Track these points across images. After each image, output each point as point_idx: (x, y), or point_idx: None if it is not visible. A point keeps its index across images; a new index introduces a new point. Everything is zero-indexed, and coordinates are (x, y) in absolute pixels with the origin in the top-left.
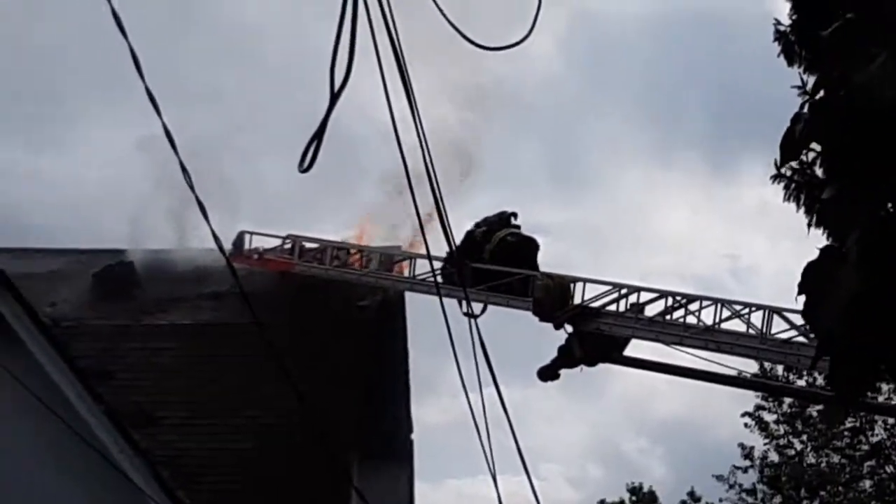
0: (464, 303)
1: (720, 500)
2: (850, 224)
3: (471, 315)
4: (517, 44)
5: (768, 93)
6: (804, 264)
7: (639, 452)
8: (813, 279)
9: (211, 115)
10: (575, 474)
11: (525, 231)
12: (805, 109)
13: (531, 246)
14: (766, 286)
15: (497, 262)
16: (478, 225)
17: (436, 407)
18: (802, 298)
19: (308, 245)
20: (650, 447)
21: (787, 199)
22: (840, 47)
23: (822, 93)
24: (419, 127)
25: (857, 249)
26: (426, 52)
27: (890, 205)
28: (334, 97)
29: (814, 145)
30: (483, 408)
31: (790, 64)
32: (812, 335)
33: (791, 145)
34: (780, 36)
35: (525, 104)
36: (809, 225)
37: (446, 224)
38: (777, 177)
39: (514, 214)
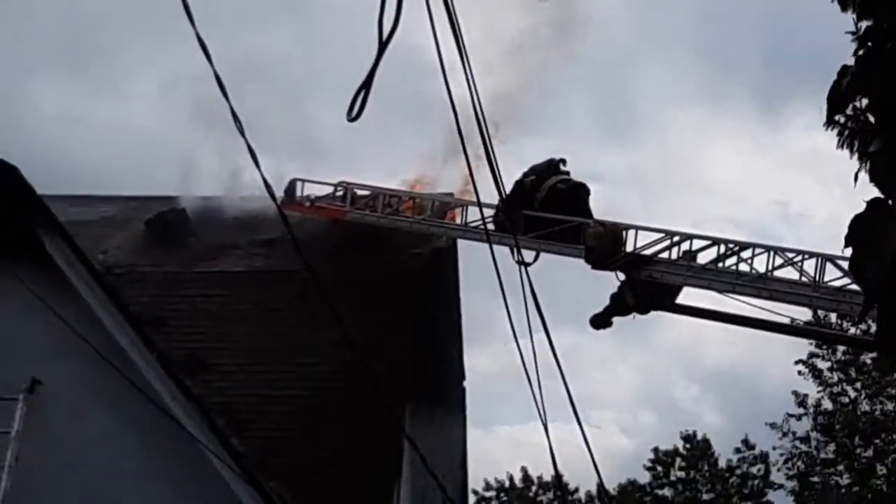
0: (515, 250)
1: (773, 448)
2: None
3: (522, 263)
4: None
5: (821, 36)
6: (852, 216)
7: (691, 400)
8: (860, 232)
9: (266, 64)
10: (627, 422)
11: (575, 178)
12: (853, 62)
13: (582, 192)
14: (817, 232)
15: (549, 211)
16: (526, 174)
17: (487, 354)
18: (850, 250)
19: (360, 192)
20: (702, 394)
21: (840, 146)
22: None
23: (869, 45)
24: (469, 75)
25: None
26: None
27: None
28: (382, 46)
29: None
30: (534, 355)
31: (844, 9)
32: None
33: (838, 98)
34: None
35: (575, 49)
36: (857, 176)
37: (497, 172)
38: (830, 123)
39: (563, 161)
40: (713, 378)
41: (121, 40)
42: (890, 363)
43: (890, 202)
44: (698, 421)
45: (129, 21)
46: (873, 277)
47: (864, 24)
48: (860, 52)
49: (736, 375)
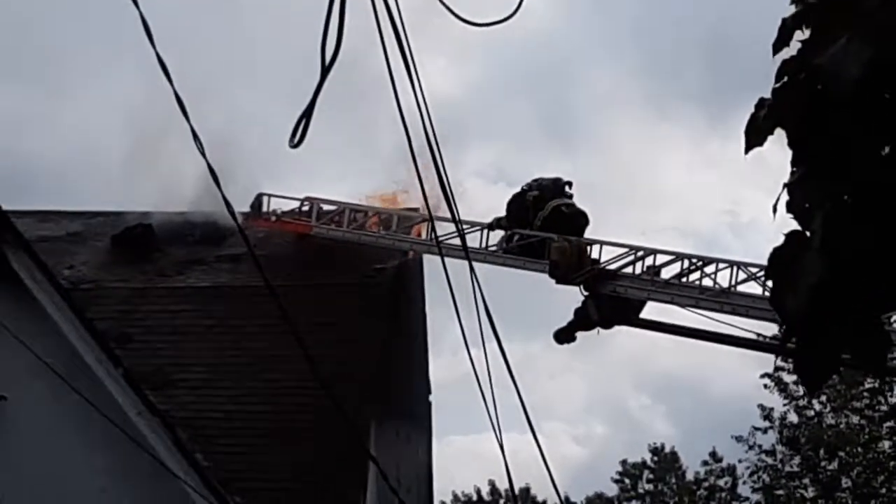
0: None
1: (739, 461)
2: (815, 209)
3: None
4: (504, 20)
5: (766, 43)
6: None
7: (641, 409)
8: (779, 265)
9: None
10: (579, 431)
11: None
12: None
13: (583, 221)
14: (766, 243)
15: (547, 231)
16: (529, 187)
17: (441, 364)
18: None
19: (326, 207)
20: (653, 405)
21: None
22: (802, 30)
23: (785, 78)
24: (422, 104)
25: (821, 235)
26: (423, 15)
27: (850, 192)
28: (324, 72)
29: None
30: (487, 365)
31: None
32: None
33: (755, 131)
34: None
35: (522, 60)
36: (775, 207)
37: (452, 202)
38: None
39: (570, 183)
40: (668, 389)
41: (83, 49)
42: (815, 386)
43: (807, 234)
44: (651, 431)
45: (91, 31)
46: (792, 311)
47: (780, 57)
48: (776, 85)
49: (687, 386)
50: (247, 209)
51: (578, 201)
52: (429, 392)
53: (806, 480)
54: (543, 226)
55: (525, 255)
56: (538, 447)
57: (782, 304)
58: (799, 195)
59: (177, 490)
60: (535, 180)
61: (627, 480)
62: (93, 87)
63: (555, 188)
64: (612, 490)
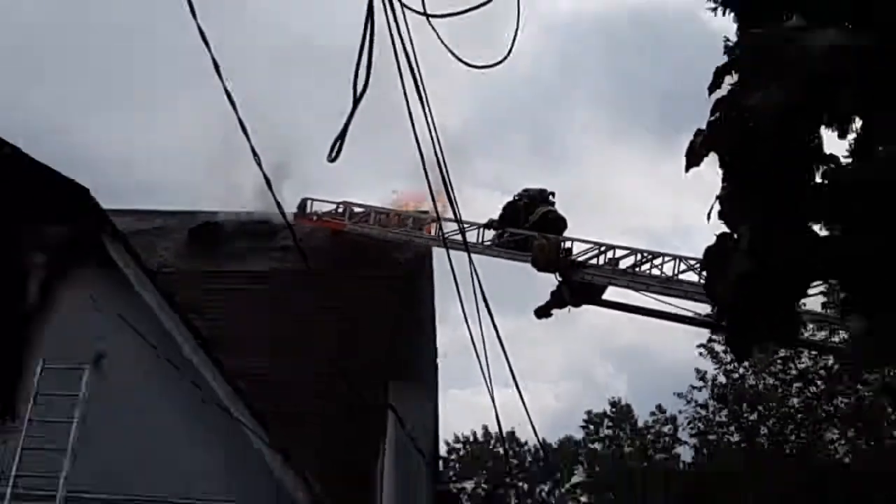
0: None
1: (679, 412)
2: (741, 218)
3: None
4: (498, 63)
5: (706, 80)
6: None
7: (603, 371)
8: (711, 259)
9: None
10: (558, 390)
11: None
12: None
13: (562, 224)
14: (702, 241)
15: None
16: (520, 196)
17: (446, 333)
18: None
19: (357, 209)
20: (612, 368)
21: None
22: (731, 76)
23: (717, 114)
24: (433, 131)
25: (748, 238)
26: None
27: (775, 206)
28: (356, 101)
29: None
30: (482, 336)
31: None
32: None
33: (693, 155)
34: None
35: (513, 96)
36: (709, 215)
37: (455, 206)
38: (687, 172)
39: (553, 193)
40: (622, 355)
41: (158, 69)
42: (744, 355)
43: (735, 236)
44: (611, 388)
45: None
46: (722, 296)
47: (713, 96)
48: (711, 119)
49: (640, 353)
50: (295, 210)
51: (560, 208)
52: (436, 356)
53: (732, 428)
54: (533, 227)
55: (514, 249)
56: (521, 399)
57: (713, 291)
58: (728, 205)
59: (242, 435)
60: (525, 190)
61: (591, 427)
62: (175, 103)
63: (541, 197)
64: (579, 434)
